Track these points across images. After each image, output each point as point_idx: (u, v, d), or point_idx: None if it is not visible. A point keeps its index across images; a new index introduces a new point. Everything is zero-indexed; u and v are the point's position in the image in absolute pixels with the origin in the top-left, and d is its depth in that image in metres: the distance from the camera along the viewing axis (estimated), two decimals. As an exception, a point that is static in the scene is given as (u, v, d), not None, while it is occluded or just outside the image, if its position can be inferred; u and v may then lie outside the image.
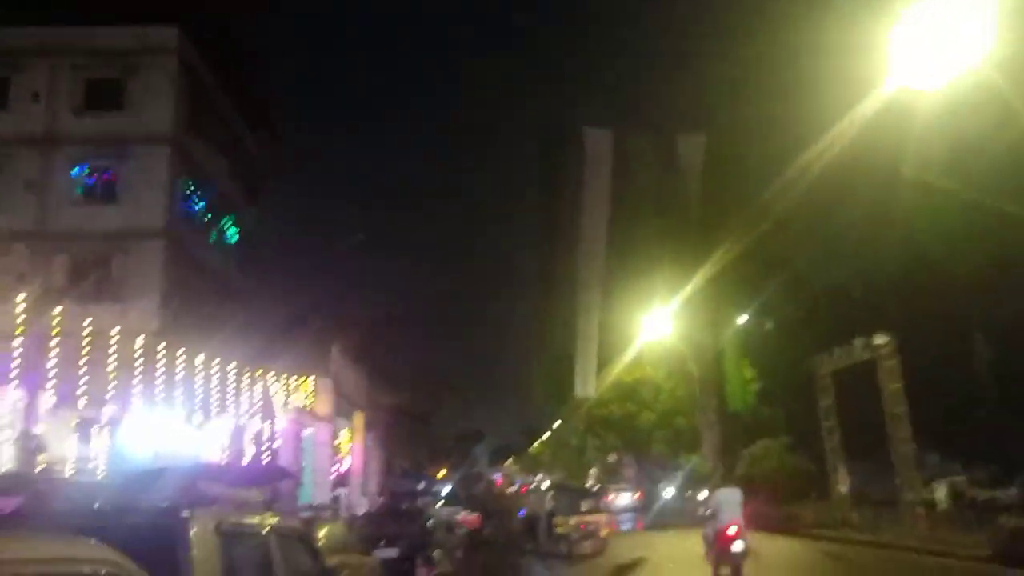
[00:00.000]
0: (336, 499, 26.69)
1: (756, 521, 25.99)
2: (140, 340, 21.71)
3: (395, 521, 16.16)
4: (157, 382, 19.93)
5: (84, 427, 20.43)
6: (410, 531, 14.69)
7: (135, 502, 5.06)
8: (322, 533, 10.19)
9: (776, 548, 20.88)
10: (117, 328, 21.79)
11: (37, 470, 18.35)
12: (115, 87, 27.19)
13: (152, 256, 26.08)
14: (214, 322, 26.81)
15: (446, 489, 42.35)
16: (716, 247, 32.65)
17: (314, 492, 21.98)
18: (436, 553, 12.86)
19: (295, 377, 21.16)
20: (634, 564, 19.55)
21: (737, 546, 13.73)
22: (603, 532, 22.65)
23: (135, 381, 20.24)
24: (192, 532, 4.46)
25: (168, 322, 24.70)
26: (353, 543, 11.50)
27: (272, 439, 19.99)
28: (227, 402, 19.54)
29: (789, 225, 31.16)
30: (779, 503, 28.12)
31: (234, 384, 19.74)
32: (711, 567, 14.66)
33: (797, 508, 26.83)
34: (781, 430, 32.70)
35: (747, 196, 31.50)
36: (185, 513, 4.53)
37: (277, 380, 20.18)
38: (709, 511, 15.00)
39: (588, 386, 28.61)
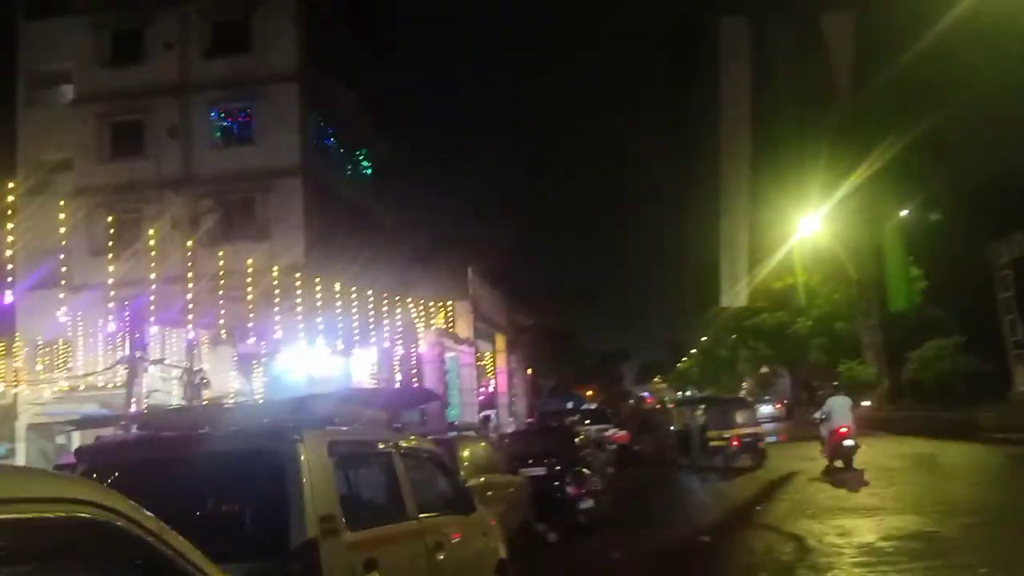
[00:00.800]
0: (486, 419, 26.98)
1: (926, 427, 24.37)
2: (286, 274, 22.26)
3: (543, 439, 15.86)
4: (304, 314, 20.42)
5: (243, 361, 21.30)
6: (558, 449, 14.33)
7: (253, 426, 4.73)
8: (465, 453, 9.90)
9: (954, 454, 19.30)
10: (265, 264, 22.48)
11: (202, 404, 19.34)
12: (241, 28, 27.55)
13: (291, 193, 26.68)
14: (354, 252, 27.29)
15: (594, 407, 42.18)
16: (873, 136, 29.90)
17: (461, 413, 22.17)
18: (586, 471, 12.46)
19: (434, 302, 21.15)
20: (790, 476, 18.58)
21: (847, 442, 16.94)
22: (760, 444, 21.64)
23: (284, 314, 20.81)
24: (302, 455, 4.05)
25: (311, 255, 25.32)
26: (499, 463, 11.22)
27: (416, 363, 20.17)
28: (371, 329, 19.81)
29: (954, 104, 28.04)
30: (953, 407, 26.09)
31: (376, 311, 19.99)
32: (826, 460, 17.52)
33: (973, 412, 24.75)
34: (953, 329, 30.16)
35: (906, 76, 28.52)
36: (295, 436, 4.12)
37: (417, 305, 20.22)
38: (823, 416, 17.98)
39: (736, 295, 27.09)
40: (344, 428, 4.74)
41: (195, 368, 19.94)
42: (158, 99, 27.47)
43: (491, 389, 27.83)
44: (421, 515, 5.07)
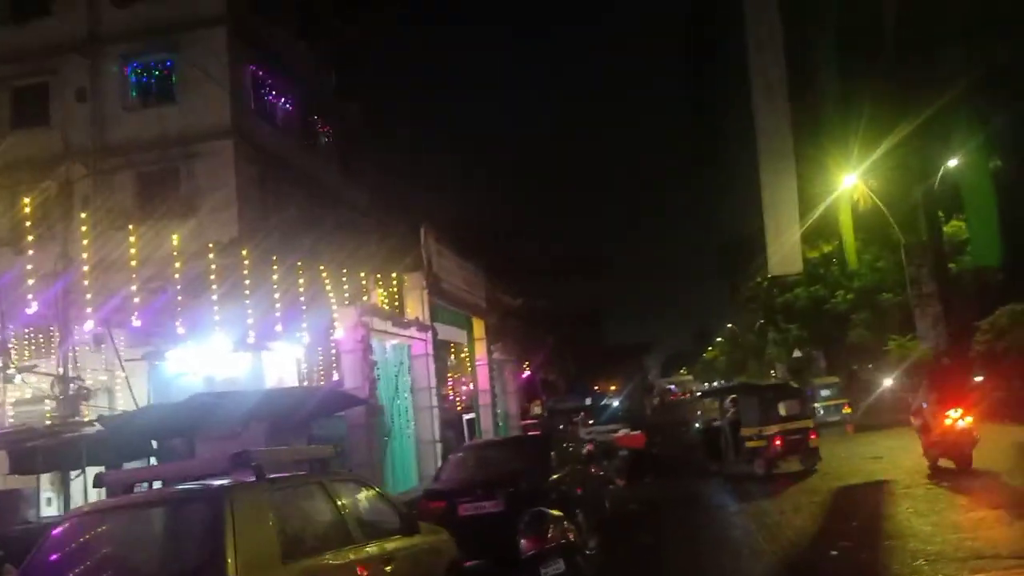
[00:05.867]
0: (470, 424, 22.16)
1: (1009, 410, 19.60)
2: (202, 256, 17.57)
3: (501, 457, 10.87)
4: (223, 302, 15.65)
5: (144, 362, 16.69)
6: (520, 472, 9.50)
7: None
8: (268, 519, 5.05)
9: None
10: (191, 245, 17.79)
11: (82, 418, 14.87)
12: (159, -35, 22.97)
13: (222, 158, 22.09)
14: (302, 227, 22.56)
15: (616, 404, 37.40)
16: (920, 74, 25.20)
17: (416, 420, 17.30)
18: (553, 512, 7.48)
19: (366, 274, 16.17)
20: (863, 487, 13.84)
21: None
22: (812, 443, 16.77)
23: (195, 303, 16.09)
24: None
25: (245, 231, 20.66)
26: (385, 509, 6.43)
27: (335, 354, 15.39)
28: (302, 316, 15.13)
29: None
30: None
31: (308, 293, 15.31)
32: (926, 458, 14.00)
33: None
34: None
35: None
36: None
37: (335, 278, 15.39)
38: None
39: (790, 260, 22.05)
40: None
41: (71, 375, 15.45)
42: (64, 56, 22.97)
43: (471, 387, 23.00)
44: None
